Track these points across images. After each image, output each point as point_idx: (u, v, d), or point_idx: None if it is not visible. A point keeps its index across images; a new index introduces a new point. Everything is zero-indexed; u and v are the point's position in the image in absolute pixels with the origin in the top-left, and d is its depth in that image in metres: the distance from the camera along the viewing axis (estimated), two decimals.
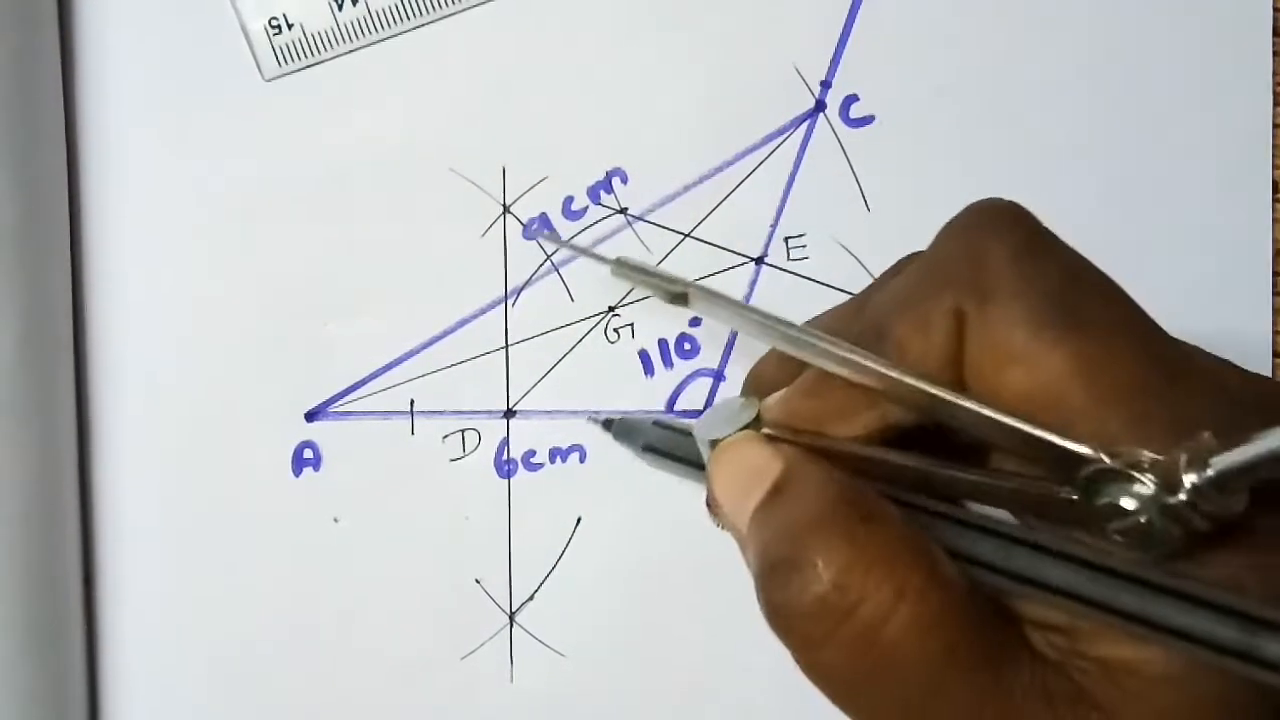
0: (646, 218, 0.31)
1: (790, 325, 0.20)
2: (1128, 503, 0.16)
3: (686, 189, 0.31)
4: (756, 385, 0.23)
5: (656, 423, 0.24)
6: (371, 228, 0.31)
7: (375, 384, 0.31)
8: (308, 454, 0.31)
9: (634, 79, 0.31)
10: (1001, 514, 0.18)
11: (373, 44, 0.31)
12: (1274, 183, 0.31)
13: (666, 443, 0.23)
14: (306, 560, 0.31)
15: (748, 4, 0.31)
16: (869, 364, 0.18)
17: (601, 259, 0.23)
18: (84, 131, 0.31)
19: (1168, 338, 0.18)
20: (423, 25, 0.31)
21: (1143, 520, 0.16)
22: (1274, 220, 0.31)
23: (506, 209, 0.31)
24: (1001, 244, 0.18)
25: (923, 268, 0.20)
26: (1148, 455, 0.16)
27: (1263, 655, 0.15)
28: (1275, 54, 0.31)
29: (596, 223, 0.31)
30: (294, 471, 0.31)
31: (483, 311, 0.31)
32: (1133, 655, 0.16)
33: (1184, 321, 0.30)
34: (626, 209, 0.31)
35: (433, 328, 0.31)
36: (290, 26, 0.30)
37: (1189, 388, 0.17)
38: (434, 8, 0.31)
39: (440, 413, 0.31)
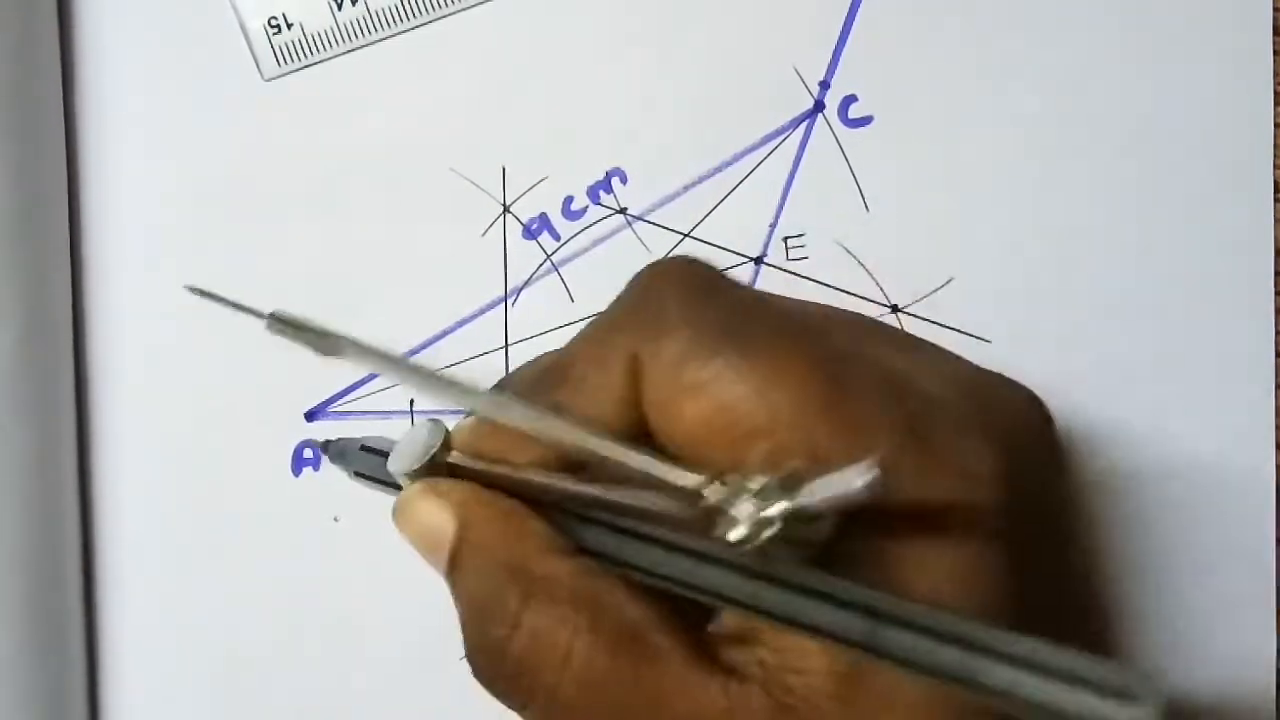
0: (646, 218, 0.31)
1: (441, 377, 0.20)
2: (737, 532, 0.17)
3: (686, 189, 0.31)
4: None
5: (364, 447, 0.24)
6: (371, 227, 0.31)
7: (375, 384, 0.31)
8: (308, 453, 0.31)
9: (634, 79, 0.31)
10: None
11: (373, 44, 0.31)
12: (1274, 183, 0.31)
13: (373, 469, 0.24)
14: (306, 560, 0.31)
15: (746, 4, 0.31)
16: (513, 418, 0.19)
17: (255, 314, 0.22)
18: (83, 131, 0.31)
19: (843, 354, 0.19)
20: (423, 25, 0.31)
21: (752, 543, 0.16)
22: (1274, 220, 0.31)
23: (506, 209, 0.31)
24: (673, 290, 0.20)
25: (601, 319, 0.21)
26: (750, 484, 0.16)
27: (883, 646, 0.16)
28: (1275, 54, 0.31)
29: (596, 222, 0.31)
30: (294, 471, 0.31)
31: (482, 311, 0.31)
32: (818, 662, 0.17)
33: (1184, 321, 0.30)
34: (626, 209, 0.31)
35: (432, 327, 0.31)
36: (290, 26, 0.30)
37: (862, 395, 0.18)
38: (434, 7, 0.31)
39: (440, 413, 0.31)
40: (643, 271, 0.21)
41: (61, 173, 0.30)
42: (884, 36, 0.31)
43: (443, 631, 0.31)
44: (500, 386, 0.23)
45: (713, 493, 0.17)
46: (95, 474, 0.31)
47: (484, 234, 0.31)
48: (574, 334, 0.22)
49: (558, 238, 0.31)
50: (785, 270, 0.31)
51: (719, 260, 0.31)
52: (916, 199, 0.31)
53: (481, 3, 0.31)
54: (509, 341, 0.31)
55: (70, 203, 0.31)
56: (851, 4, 0.31)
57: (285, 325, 0.22)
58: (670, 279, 0.20)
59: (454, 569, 0.20)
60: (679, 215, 0.31)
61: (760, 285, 0.31)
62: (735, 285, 0.20)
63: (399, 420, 0.31)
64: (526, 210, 0.31)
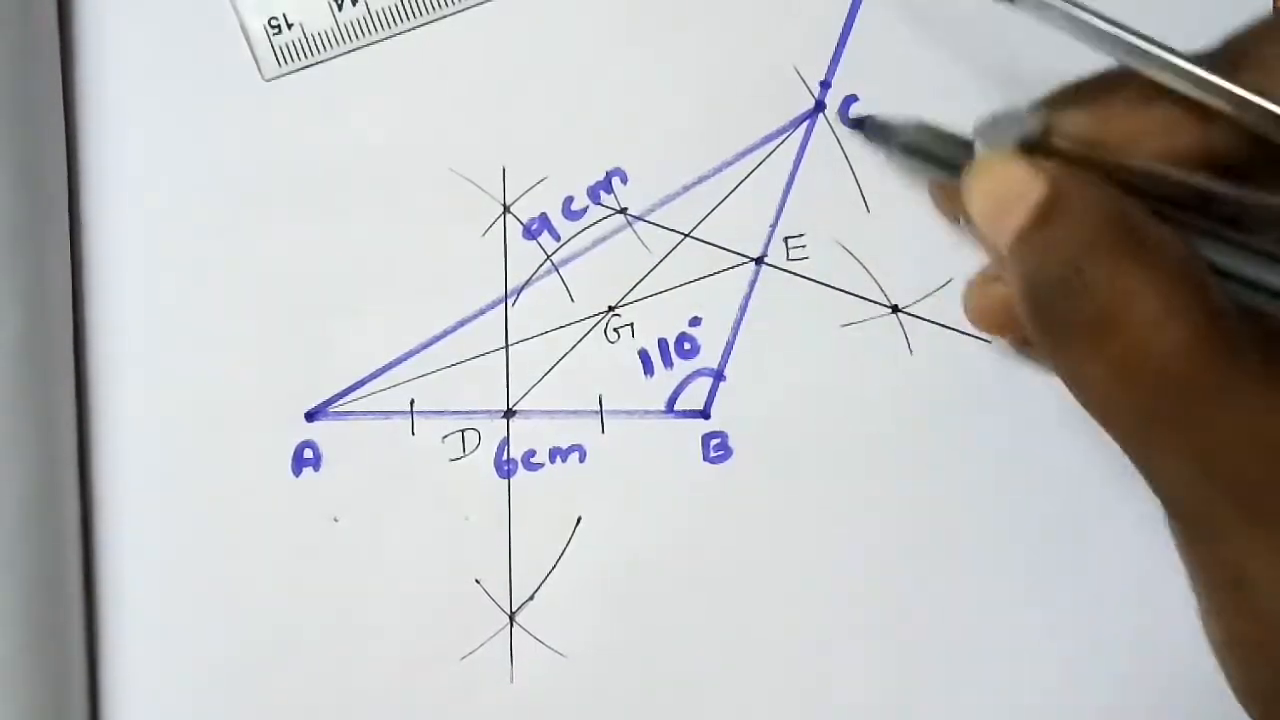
0: (646, 218, 0.31)
1: (1133, 31, 0.19)
2: None
3: (686, 189, 0.31)
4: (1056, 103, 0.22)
5: (920, 124, 0.23)
6: (371, 227, 0.31)
7: (375, 384, 0.31)
8: (307, 454, 0.31)
9: (634, 79, 0.31)
10: None
11: (373, 44, 0.31)
12: None
13: (931, 143, 0.22)
14: (306, 560, 0.31)
15: (747, 4, 0.31)
16: (1219, 81, 0.18)
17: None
18: (83, 131, 0.31)
19: None
20: (423, 25, 0.31)
21: None
22: None
23: (506, 209, 0.31)
24: None
25: None
26: None
27: None
28: None
29: (596, 223, 0.31)
30: (294, 471, 0.31)
31: (483, 311, 0.31)
32: None
33: None
34: (626, 209, 0.31)
35: (433, 327, 0.31)
36: (290, 26, 0.30)
37: None
38: (434, 7, 0.31)
39: (440, 413, 0.31)
40: None
41: (62, 172, 0.30)
42: (885, 36, 0.31)
43: (442, 631, 0.31)
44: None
45: None
46: (95, 474, 0.31)
47: (484, 234, 0.31)
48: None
49: (558, 238, 0.31)
50: (785, 270, 0.31)
51: (718, 260, 0.31)
52: (917, 199, 0.31)
53: (482, 3, 0.31)
54: (509, 342, 0.31)
55: (70, 202, 0.31)
56: (852, 4, 0.31)
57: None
58: None
59: (1043, 219, 0.18)
60: (679, 215, 0.31)
61: (760, 286, 0.31)
62: None
63: (399, 420, 0.31)
64: (527, 210, 0.31)
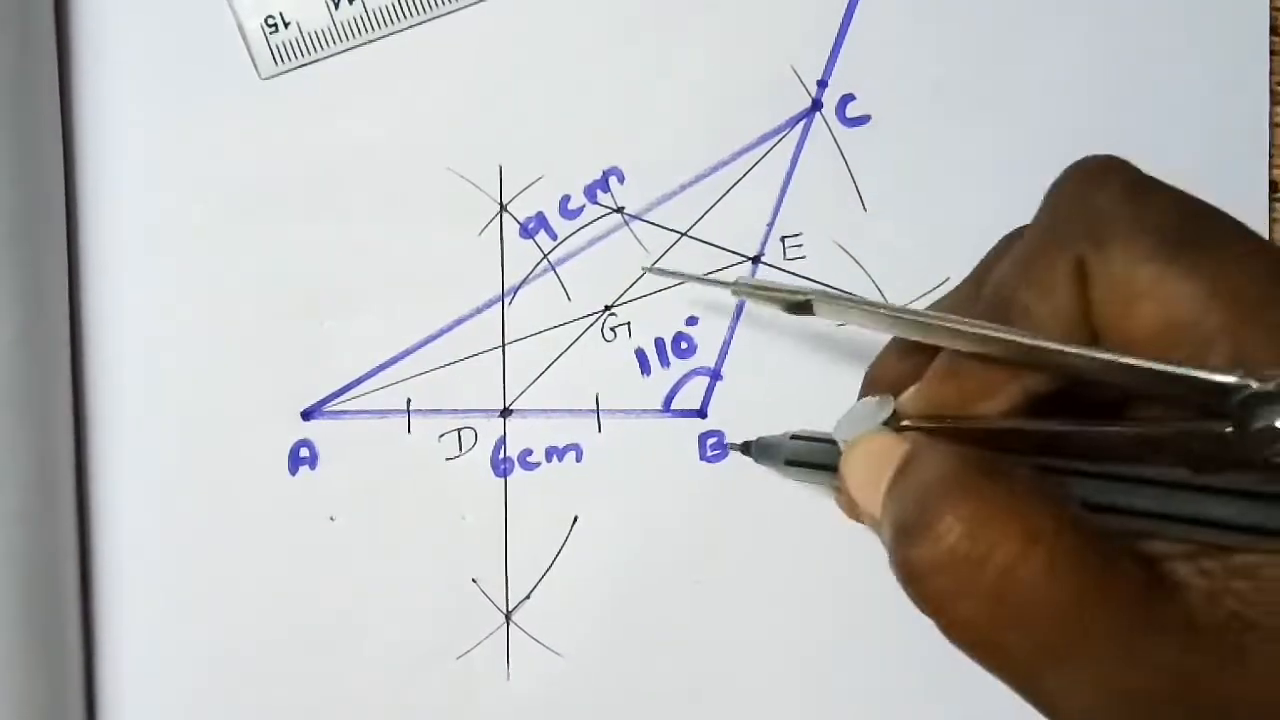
0: (643, 217, 0.31)
1: (920, 313, 0.20)
2: None
3: (683, 188, 0.31)
4: (876, 385, 0.23)
5: (794, 436, 0.25)
6: (368, 226, 0.31)
7: (372, 382, 0.31)
8: (304, 453, 0.31)
9: (631, 78, 0.31)
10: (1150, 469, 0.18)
11: (369, 43, 0.31)
12: (1272, 183, 0.31)
13: (807, 454, 0.24)
14: (302, 559, 0.31)
15: (744, 3, 0.31)
16: (1002, 335, 0.18)
17: (720, 284, 0.25)
18: (80, 130, 0.31)
19: None
20: (419, 24, 0.31)
21: None
22: (1272, 220, 0.31)
23: (503, 208, 0.31)
24: (1108, 190, 0.19)
25: (1034, 233, 0.20)
26: None
27: None
28: (1273, 53, 0.31)
29: (593, 222, 0.31)
30: (290, 470, 0.31)
31: (479, 310, 0.31)
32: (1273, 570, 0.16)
33: None
34: (623, 208, 0.31)
35: (429, 326, 0.31)
36: (286, 25, 0.30)
37: None
38: (430, 7, 0.31)
39: (437, 411, 0.31)
40: (1065, 177, 0.20)
41: (59, 171, 0.30)
42: (882, 36, 0.31)
43: (439, 630, 0.31)
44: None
45: (1269, 380, 0.16)
46: (92, 473, 0.31)
47: (481, 233, 0.31)
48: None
49: (555, 237, 0.31)
50: (783, 269, 0.31)
51: (716, 260, 0.31)
52: (914, 198, 0.31)
53: (478, 2, 0.31)
54: (505, 340, 0.31)
55: (67, 202, 0.31)
56: (849, 3, 0.31)
57: (750, 289, 0.23)
58: (1102, 179, 0.19)
59: (903, 472, 0.19)
60: (676, 214, 0.31)
61: None
62: (1166, 185, 0.19)
63: (396, 419, 0.31)
64: (523, 209, 0.31)
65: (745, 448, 0.27)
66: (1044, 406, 0.20)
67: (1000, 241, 0.22)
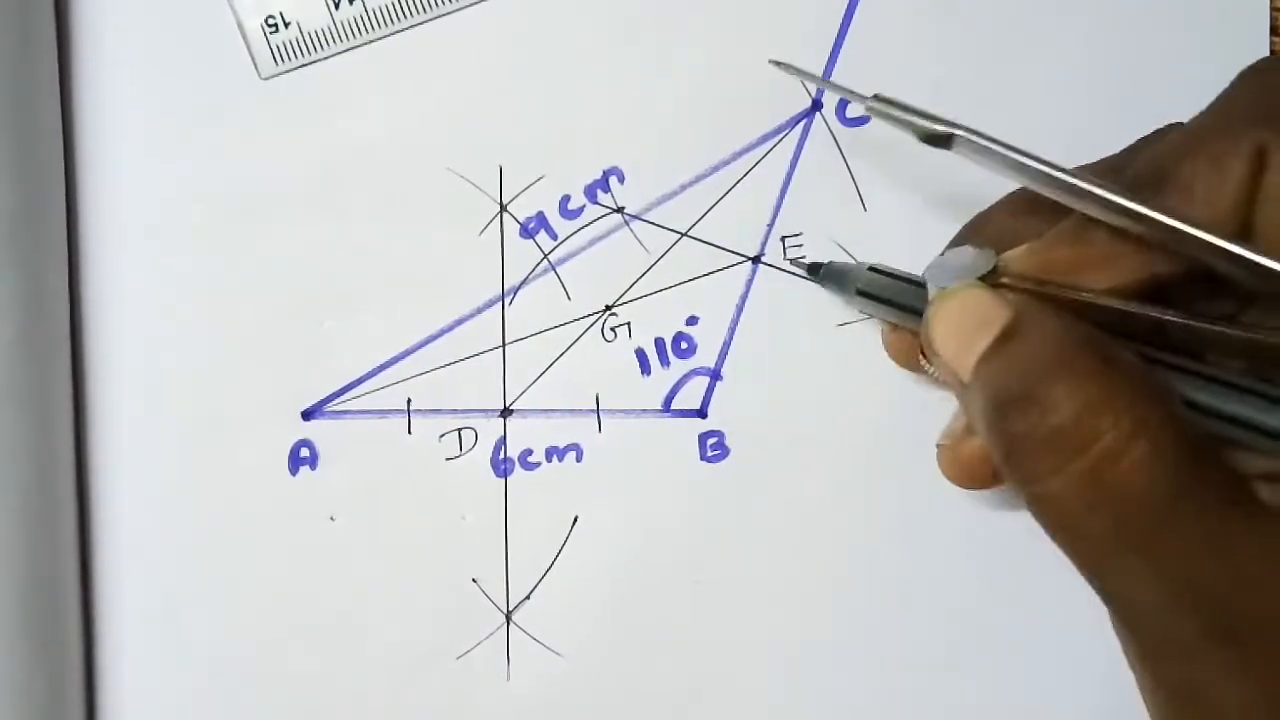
0: (644, 217, 0.31)
1: (1071, 171, 0.19)
2: None
3: (683, 188, 0.31)
4: (977, 236, 0.22)
5: (872, 268, 0.24)
6: (368, 226, 0.31)
7: (372, 383, 0.31)
8: (304, 453, 0.31)
9: (631, 78, 0.31)
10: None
11: (369, 43, 0.31)
12: None
13: (882, 288, 0.23)
14: (303, 559, 0.31)
15: (744, 3, 0.31)
16: (1151, 213, 0.18)
17: (855, 95, 0.23)
18: (80, 130, 0.31)
19: None
20: (419, 24, 0.31)
21: None
22: None
23: (503, 208, 0.31)
24: None
25: (1212, 113, 0.19)
26: None
27: None
28: (1273, 53, 0.31)
29: (593, 222, 0.31)
30: (290, 470, 0.31)
31: (479, 310, 0.31)
32: None
33: None
34: (624, 208, 0.31)
35: (429, 326, 0.31)
36: (287, 25, 0.30)
37: None
38: (431, 6, 0.31)
39: (437, 411, 0.31)
40: (1254, 67, 0.19)
41: (59, 171, 0.30)
42: (881, 36, 0.31)
43: (439, 630, 0.31)
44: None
45: None
46: (92, 473, 0.31)
47: (481, 233, 0.31)
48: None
49: (555, 237, 0.31)
50: (783, 269, 0.31)
51: (715, 260, 0.31)
52: (914, 198, 0.31)
53: (478, 2, 0.31)
54: (506, 340, 0.31)
55: (68, 201, 0.31)
56: (849, 3, 0.31)
57: (890, 106, 0.22)
58: None
59: (1007, 341, 0.19)
60: (676, 214, 0.31)
61: (758, 285, 0.31)
62: None
63: (396, 419, 0.31)
64: (524, 209, 0.31)
65: (814, 268, 0.26)
66: (1161, 293, 0.19)
67: (1151, 134, 0.21)
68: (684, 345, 0.31)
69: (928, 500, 0.30)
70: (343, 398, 0.31)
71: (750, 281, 0.31)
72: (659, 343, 0.31)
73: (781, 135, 0.31)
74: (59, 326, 0.30)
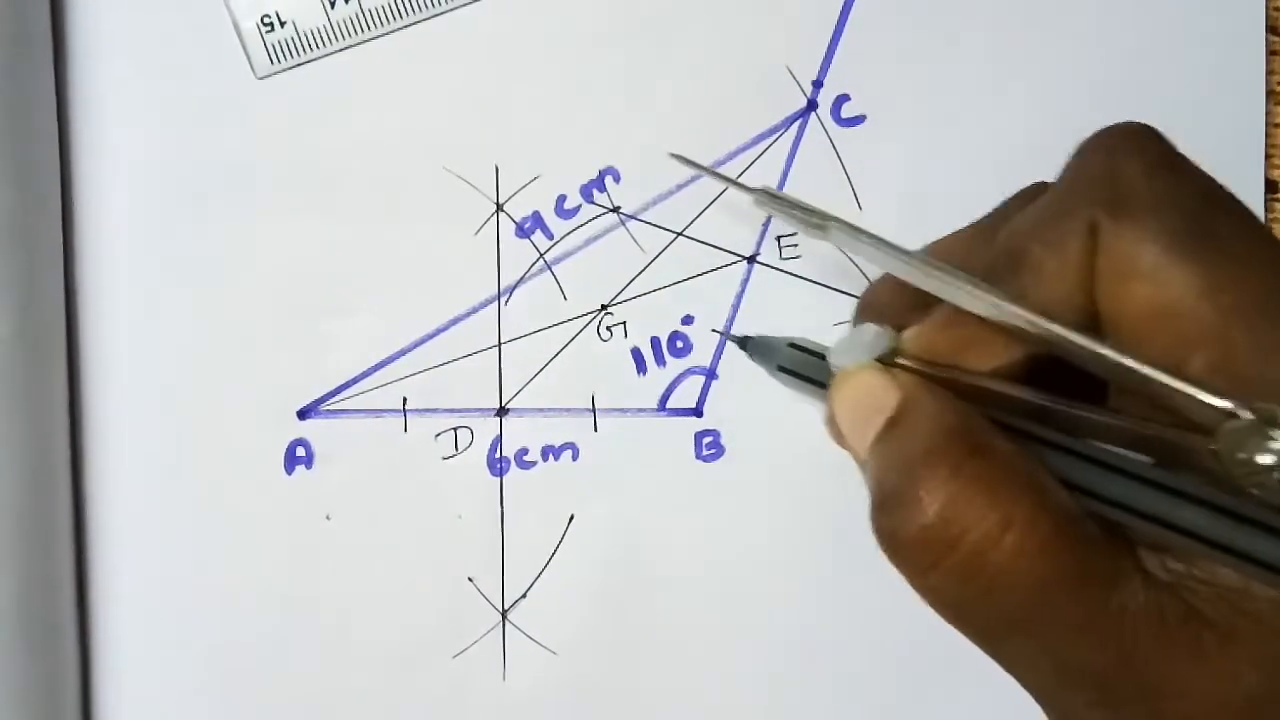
0: (639, 216, 0.31)
1: (934, 264, 0.19)
2: (1265, 459, 0.16)
3: (679, 188, 0.31)
4: (872, 308, 0.23)
5: (792, 344, 0.24)
6: (364, 226, 0.31)
7: (368, 382, 0.31)
8: (300, 452, 0.31)
9: (627, 78, 0.31)
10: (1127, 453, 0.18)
11: (365, 42, 0.31)
12: (1269, 182, 0.31)
13: (800, 365, 0.24)
14: (299, 558, 0.31)
15: (740, 4, 0.31)
16: (1009, 308, 0.18)
17: (743, 188, 0.23)
18: (76, 129, 0.31)
19: None
20: (415, 23, 0.31)
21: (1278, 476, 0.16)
22: (1269, 221, 0.31)
23: (499, 207, 0.31)
24: (1137, 160, 0.18)
25: (1058, 189, 0.20)
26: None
27: None
28: (1271, 53, 0.31)
29: (589, 221, 0.31)
30: (286, 469, 0.31)
31: (475, 310, 0.31)
32: (1248, 582, 0.17)
33: None
34: (619, 208, 0.31)
35: (425, 326, 0.31)
36: (283, 24, 0.30)
37: None
38: (426, 6, 0.31)
39: (433, 411, 0.31)
40: (1098, 138, 0.20)
41: (55, 170, 0.30)
42: (877, 36, 0.31)
43: (435, 629, 0.31)
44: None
45: (1246, 415, 0.16)
46: (87, 472, 0.31)
47: (477, 232, 0.31)
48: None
49: (551, 236, 0.31)
50: (778, 269, 0.31)
51: (713, 259, 0.31)
52: (909, 197, 0.31)
53: (474, 1, 0.31)
54: (502, 340, 0.31)
55: (63, 200, 0.31)
56: (844, 3, 0.31)
57: (772, 200, 0.22)
58: (1133, 147, 0.19)
59: (891, 428, 0.19)
60: (672, 214, 0.31)
61: (753, 285, 0.31)
62: (1195, 166, 0.19)
63: (392, 418, 0.31)
64: (519, 209, 0.31)
65: (743, 343, 0.27)
66: (1044, 370, 0.19)
67: (1025, 188, 0.22)
68: (679, 344, 0.31)
69: None
70: (338, 397, 0.31)
71: (745, 281, 0.31)
72: (655, 342, 0.31)
73: (777, 135, 0.31)
74: (54, 325, 0.30)
